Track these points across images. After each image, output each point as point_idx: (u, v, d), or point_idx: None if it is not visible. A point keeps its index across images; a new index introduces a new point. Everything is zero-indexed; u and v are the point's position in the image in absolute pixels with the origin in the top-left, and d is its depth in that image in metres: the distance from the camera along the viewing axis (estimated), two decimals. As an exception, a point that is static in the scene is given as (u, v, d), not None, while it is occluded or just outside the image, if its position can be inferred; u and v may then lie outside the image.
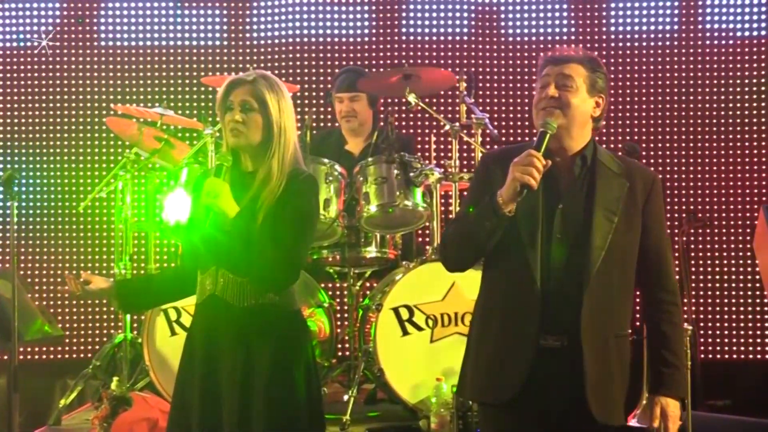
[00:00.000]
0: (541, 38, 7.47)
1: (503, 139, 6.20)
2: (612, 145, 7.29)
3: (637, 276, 3.36)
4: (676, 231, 7.02)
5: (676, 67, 7.38)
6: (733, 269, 7.25)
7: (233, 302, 3.39)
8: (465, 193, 5.08)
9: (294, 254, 3.38)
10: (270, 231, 3.33)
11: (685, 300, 6.64)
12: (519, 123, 7.47)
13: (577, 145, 3.35)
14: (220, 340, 3.39)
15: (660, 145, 7.37)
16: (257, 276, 3.36)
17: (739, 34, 7.37)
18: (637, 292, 3.43)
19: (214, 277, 3.41)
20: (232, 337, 3.38)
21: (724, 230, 7.29)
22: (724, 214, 7.29)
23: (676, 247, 6.93)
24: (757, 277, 7.17)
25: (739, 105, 7.34)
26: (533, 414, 3.27)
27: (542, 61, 3.40)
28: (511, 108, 7.49)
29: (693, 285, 7.15)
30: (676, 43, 7.40)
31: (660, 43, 7.42)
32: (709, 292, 7.26)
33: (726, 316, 7.24)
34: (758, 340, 7.23)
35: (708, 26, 7.39)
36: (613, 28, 7.46)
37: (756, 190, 7.30)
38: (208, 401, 3.37)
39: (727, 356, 7.22)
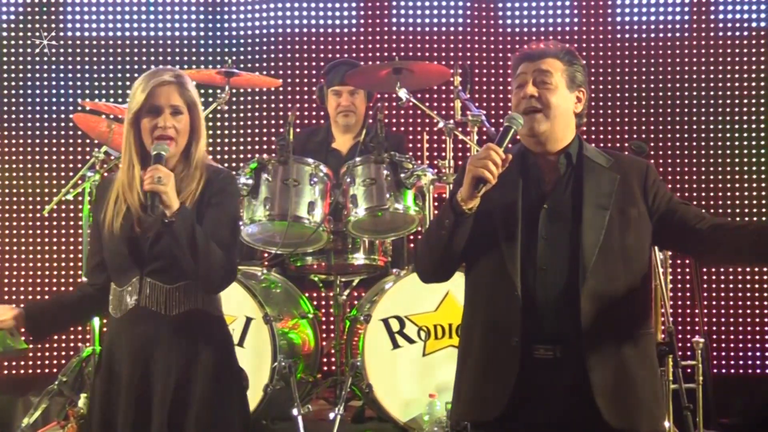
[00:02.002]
0: (542, 29, 7.47)
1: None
2: (618, 144, 7.31)
3: (686, 239, 3.35)
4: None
5: (686, 60, 7.39)
6: (748, 277, 7.26)
7: (162, 311, 3.44)
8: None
9: (233, 256, 3.53)
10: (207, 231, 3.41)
11: (697, 311, 6.65)
12: (518, 120, 7.46)
13: (560, 144, 3.39)
14: (154, 351, 3.44)
15: (669, 143, 7.38)
16: (204, 277, 3.42)
17: (754, 24, 7.39)
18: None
19: (136, 288, 3.46)
20: (166, 347, 3.44)
21: (738, 235, 7.28)
22: (738, 218, 7.29)
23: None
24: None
25: (754, 101, 7.35)
26: (527, 430, 3.27)
27: (515, 58, 3.46)
28: (510, 104, 7.48)
29: (705, 294, 7.16)
30: (686, 34, 7.41)
31: (669, 35, 7.43)
32: (723, 302, 7.26)
33: (741, 328, 7.24)
34: (776, 353, 7.25)
35: (720, 16, 7.40)
36: (619, 18, 7.47)
37: (772, 191, 7.32)
38: (138, 415, 3.41)
39: (741, 371, 7.23)
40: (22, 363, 7.39)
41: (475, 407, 3.32)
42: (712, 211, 7.28)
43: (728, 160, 7.34)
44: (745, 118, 7.35)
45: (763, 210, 7.27)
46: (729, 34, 7.39)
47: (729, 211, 7.29)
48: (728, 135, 7.35)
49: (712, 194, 7.33)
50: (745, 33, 7.39)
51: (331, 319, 6.17)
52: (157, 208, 3.32)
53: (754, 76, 7.35)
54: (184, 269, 3.40)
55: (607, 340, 3.24)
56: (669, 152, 7.37)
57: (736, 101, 7.35)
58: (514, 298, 3.23)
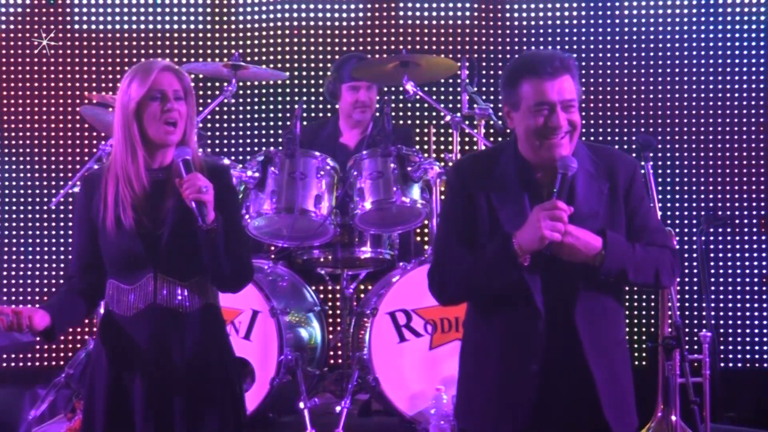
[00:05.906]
0: (549, 22, 7.46)
1: (508, 131, 6.20)
2: (626, 138, 7.30)
3: None
4: (695, 230, 7.03)
5: (694, 53, 7.37)
6: (756, 271, 7.25)
7: (178, 308, 3.45)
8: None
9: (249, 251, 3.62)
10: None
11: (704, 305, 6.64)
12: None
13: None
14: (172, 348, 3.44)
15: (677, 137, 7.37)
16: (235, 279, 3.49)
17: (762, 18, 7.37)
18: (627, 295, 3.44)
19: (150, 285, 3.44)
20: (186, 343, 3.45)
21: (746, 229, 7.29)
22: (746, 212, 7.28)
23: (695, 247, 6.94)
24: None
25: (762, 95, 7.34)
26: None
27: (524, 68, 3.26)
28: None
29: (713, 288, 7.15)
30: (694, 27, 7.40)
31: (677, 28, 7.41)
32: (730, 296, 7.25)
33: (748, 322, 7.23)
34: (784, 347, 7.24)
35: (729, 9, 7.39)
36: (626, 12, 7.45)
37: (781, 186, 7.31)
38: (159, 414, 3.41)
39: (748, 365, 7.23)
40: (29, 355, 7.41)
41: (491, 425, 3.33)
42: (720, 204, 7.28)
43: (736, 155, 7.33)
44: (753, 112, 7.33)
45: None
46: (737, 27, 7.37)
47: (737, 204, 7.27)
48: (736, 129, 7.34)
49: (719, 189, 7.32)
50: (754, 26, 7.37)
51: (338, 312, 6.18)
52: (206, 218, 3.32)
53: (763, 70, 7.33)
54: (214, 273, 3.43)
55: (601, 347, 3.27)
56: (676, 147, 7.35)
57: (744, 95, 7.33)
58: (536, 324, 3.23)
